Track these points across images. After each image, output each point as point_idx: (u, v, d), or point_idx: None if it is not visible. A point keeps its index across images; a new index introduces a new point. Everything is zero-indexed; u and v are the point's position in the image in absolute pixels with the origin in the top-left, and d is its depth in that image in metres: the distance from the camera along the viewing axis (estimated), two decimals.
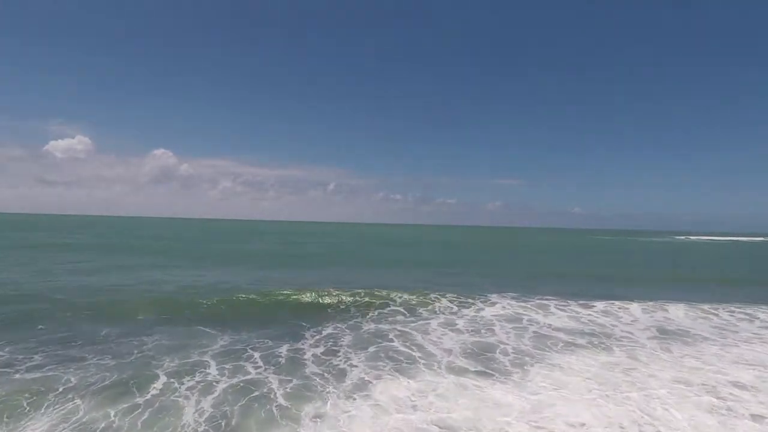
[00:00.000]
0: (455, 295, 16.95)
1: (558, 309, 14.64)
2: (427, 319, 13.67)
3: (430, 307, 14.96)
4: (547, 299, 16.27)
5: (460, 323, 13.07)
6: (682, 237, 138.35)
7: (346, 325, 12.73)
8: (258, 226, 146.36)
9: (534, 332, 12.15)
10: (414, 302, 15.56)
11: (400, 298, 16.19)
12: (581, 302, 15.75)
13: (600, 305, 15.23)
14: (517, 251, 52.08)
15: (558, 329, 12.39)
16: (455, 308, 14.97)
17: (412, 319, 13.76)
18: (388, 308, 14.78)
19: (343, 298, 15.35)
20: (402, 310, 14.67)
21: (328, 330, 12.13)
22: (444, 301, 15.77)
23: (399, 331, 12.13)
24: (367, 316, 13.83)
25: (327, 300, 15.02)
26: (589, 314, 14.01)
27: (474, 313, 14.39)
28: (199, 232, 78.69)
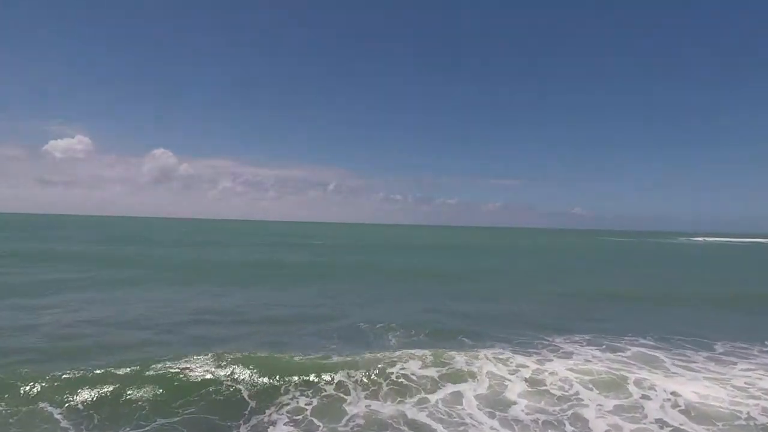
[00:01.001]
0: (498, 335, 11.33)
1: (677, 365, 8.89)
2: (459, 382, 8.02)
3: (462, 359, 9.25)
4: (643, 343, 10.57)
5: (519, 398, 7.40)
6: (699, 239, 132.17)
7: (316, 404, 7.10)
8: (253, 227, 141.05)
9: (664, 423, 6.47)
10: (436, 348, 9.87)
11: (411, 341, 10.57)
12: (704, 350, 10.03)
13: (743, 359, 9.47)
14: (541, 256, 46.28)
15: (709, 418, 6.67)
16: (505, 357, 9.27)
17: (432, 376, 8.16)
18: (392, 358, 9.10)
19: (318, 352, 9.69)
20: (414, 363, 8.99)
21: None
22: (486, 345, 10.15)
23: (409, 422, 6.49)
24: (357, 381, 8.13)
25: (288, 358, 9.22)
26: (745, 377, 8.23)
27: (537, 366, 8.71)
28: (183, 234, 73.17)
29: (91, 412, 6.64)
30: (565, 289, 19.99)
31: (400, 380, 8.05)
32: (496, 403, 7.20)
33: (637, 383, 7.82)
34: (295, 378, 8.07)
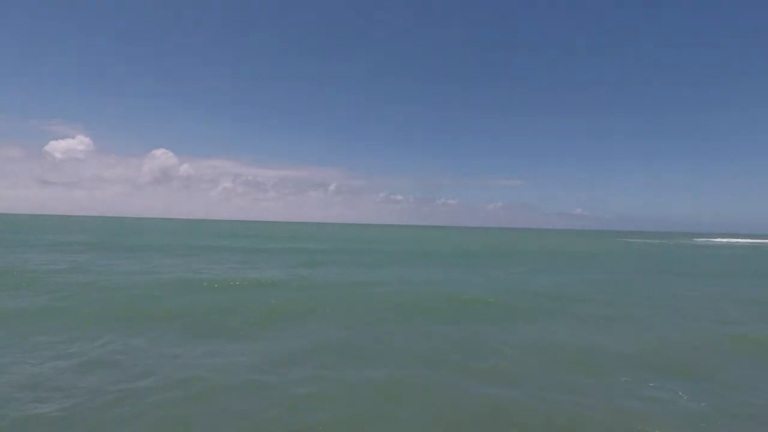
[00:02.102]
0: None
1: None
2: None
3: None
4: None
5: None
6: (723, 239, 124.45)
7: None
8: (249, 228, 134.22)
9: None
10: None
11: None
12: None
13: None
14: (584, 267, 38.80)
15: None
16: None
17: None
18: None
19: None
20: None
21: None
22: None
23: None
24: None
25: None
26: None
27: None
28: (163, 236, 66.30)
29: None
30: (674, 334, 12.73)
31: None
32: None
33: None
34: None
